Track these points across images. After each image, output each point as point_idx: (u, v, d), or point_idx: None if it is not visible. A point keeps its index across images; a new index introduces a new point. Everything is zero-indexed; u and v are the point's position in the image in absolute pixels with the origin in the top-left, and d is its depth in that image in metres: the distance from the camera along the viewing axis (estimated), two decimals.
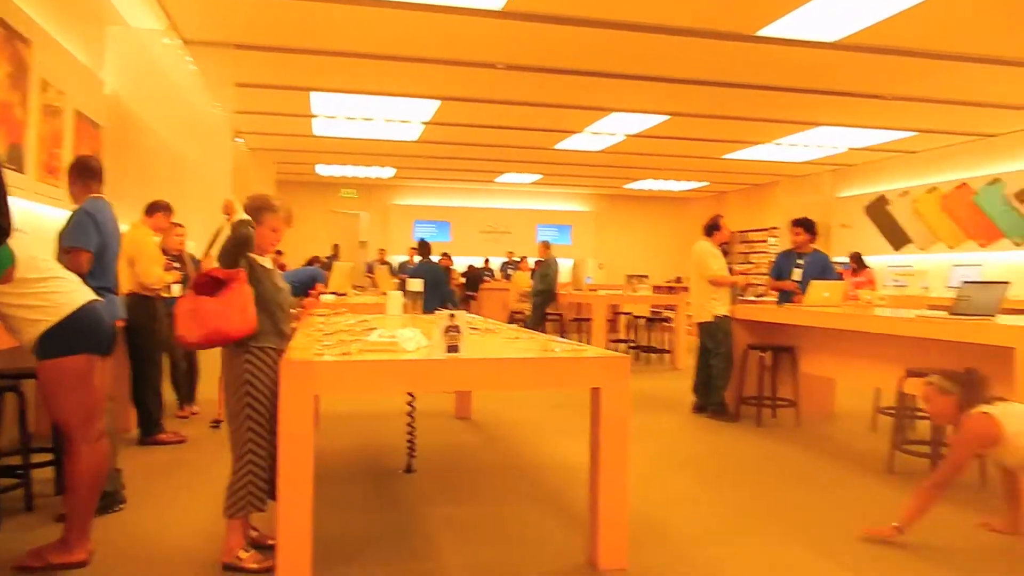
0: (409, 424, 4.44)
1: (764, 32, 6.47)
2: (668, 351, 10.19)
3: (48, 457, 3.81)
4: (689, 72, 7.93)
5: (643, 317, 10.70)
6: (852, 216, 13.82)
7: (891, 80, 8.04)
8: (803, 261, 6.46)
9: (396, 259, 16.12)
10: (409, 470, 4.34)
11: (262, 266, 3.03)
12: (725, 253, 6.68)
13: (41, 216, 4.68)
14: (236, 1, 6.16)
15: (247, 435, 2.85)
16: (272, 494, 2.81)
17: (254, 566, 2.83)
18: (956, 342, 4.21)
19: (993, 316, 4.21)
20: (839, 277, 6.90)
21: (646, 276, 14.45)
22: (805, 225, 6.52)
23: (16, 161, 4.45)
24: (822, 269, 6.39)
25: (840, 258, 11.52)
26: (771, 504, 3.91)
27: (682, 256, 9.32)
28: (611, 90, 8.63)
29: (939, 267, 11.83)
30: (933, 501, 3.25)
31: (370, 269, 14.54)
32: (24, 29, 4.52)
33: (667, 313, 10.59)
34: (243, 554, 2.85)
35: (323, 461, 4.43)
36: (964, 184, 11.60)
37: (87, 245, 3.72)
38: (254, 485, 2.85)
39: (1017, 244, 10.72)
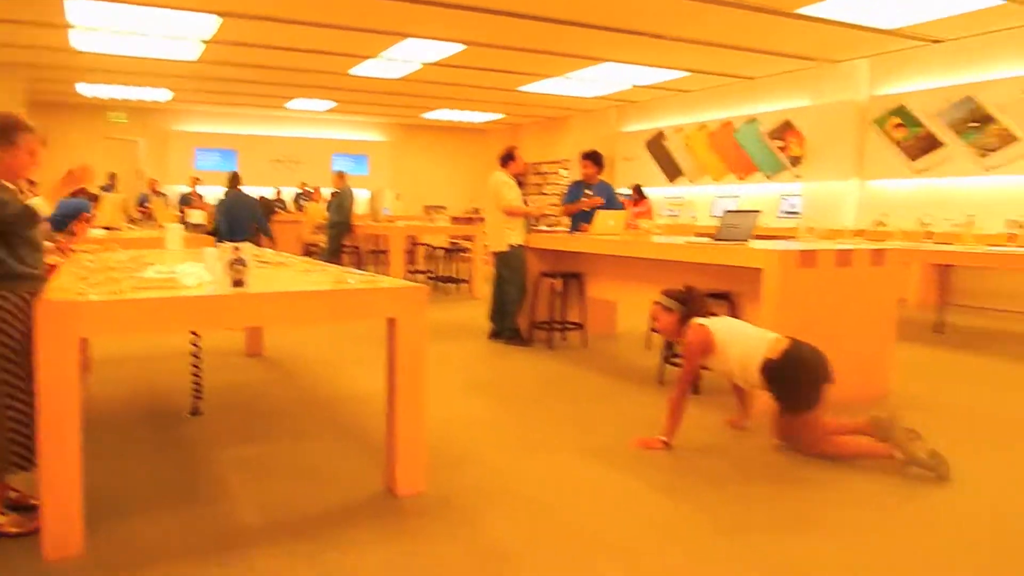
0: (194, 364, 4.20)
1: None
2: (466, 281, 10.42)
3: None
4: (482, 0, 7.91)
5: (441, 248, 10.80)
6: (634, 150, 14.74)
7: (669, 21, 8.56)
8: (591, 191, 6.82)
9: (176, 189, 14.84)
10: (195, 412, 4.13)
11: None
12: (520, 184, 6.87)
13: None
14: None
15: (2, 388, 2.55)
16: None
17: (14, 530, 2.57)
18: (718, 265, 4.70)
19: (747, 241, 4.74)
20: (622, 207, 7.38)
21: (444, 207, 14.58)
22: (593, 158, 6.85)
23: None
24: (608, 199, 6.79)
25: (623, 189, 12.31)
26: (561, 421, 4.20)
27: (479, 187, 9.47)
28: (405, 14, 8.39)
29: (705, 198, 13.06)
30: (681, 409, 3.66)
31: (143, 201, 13.28)
32: None
33: (465, 243, 10.78)
34: (0, 518, 2.59)
35: (96, 409, 4.10)
36: (728, 123, 12.77)
37: None
38: (15, 443, 2.56)
39: (768, 177, 12.06)
